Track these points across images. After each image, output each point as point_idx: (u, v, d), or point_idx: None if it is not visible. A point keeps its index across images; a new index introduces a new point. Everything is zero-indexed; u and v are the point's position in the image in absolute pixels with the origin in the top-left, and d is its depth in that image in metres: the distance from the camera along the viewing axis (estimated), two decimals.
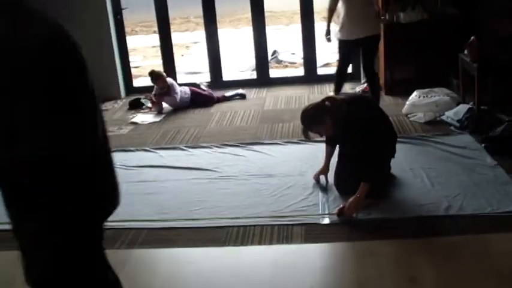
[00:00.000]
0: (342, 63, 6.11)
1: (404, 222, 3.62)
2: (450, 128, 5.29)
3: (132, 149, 5.45)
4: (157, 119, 6.50)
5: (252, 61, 8.39)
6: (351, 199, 3.69)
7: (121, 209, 4.19)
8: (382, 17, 6.43)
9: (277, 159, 4.90)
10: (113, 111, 7.04)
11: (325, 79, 7.29)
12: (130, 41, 9.13)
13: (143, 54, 12.01)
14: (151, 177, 4.72)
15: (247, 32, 10.25)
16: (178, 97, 6.77)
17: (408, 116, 5.74)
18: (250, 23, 7.82)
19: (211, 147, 5.31)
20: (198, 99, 6.92)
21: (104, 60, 7.42)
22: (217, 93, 7.15)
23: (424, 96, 5.80)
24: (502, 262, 3.07)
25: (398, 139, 4.22)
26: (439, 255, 3.19)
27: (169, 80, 6.89)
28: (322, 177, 4.29)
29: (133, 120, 6.54)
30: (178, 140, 5.66)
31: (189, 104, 6.85)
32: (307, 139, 3.98)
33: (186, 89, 6.96)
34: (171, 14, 7.84)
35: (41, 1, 1.93)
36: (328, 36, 5.98)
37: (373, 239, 3.46)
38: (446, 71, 6.35)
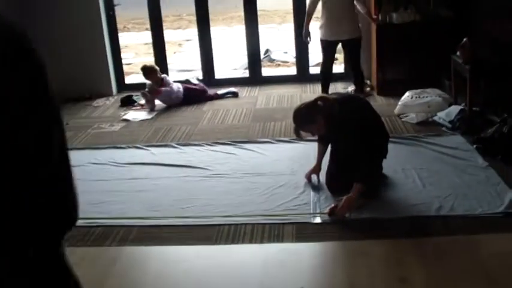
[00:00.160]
0: (325, 64, 6.39)
1: (395, 222, 3.63)
2: (442, 129, 5.30)
3: (123, 146, 5.44)
4: (149, 117, 6.48)
5: (244, 59, 8.38)
6: (343, 199, 3.69)
7: (112, 206, 4.24)
8: (375, 17, 6.46)
9: (269, 158, 4.90)
10: (105, 108, 7.02)
11: (318, 78, 7.23)
12: (123, 37, 9.12)
13: (135, 51, 11.97)
14: (142, 174, 4.71)
15: (239, 30, 10.25)
16: (175, 87, 6.76)
17: (400, 116, 5.75)
18: (243, 22, 7.80)
19: (203, 145, 5.30)
20: (191, 95, 6.90)
21: (96, 57, 7.39)
22: (209, 91, 7.14)
23: (416, 97, 5.81)
24: (492, 263, 3.08)
25: (390, 139, 4.22)
26: (429, 256, 3.20)
27: (167, 80, 6.90)
28: (313, 176, 4.29)
29: (125, 117, 6.51)
30: (170, 137, 5.64)
31: (182, 101, 6.83)
32: (299, 138, 3.98)
33: (179, 85, 6.94)
34: (164, 11, 7.82)
35: None
36: (307, 38, 6.39)
37: (364, 238, 3.46)
38: (439, 72, 6.37)
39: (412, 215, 3.70)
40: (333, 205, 3.78)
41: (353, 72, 6.48)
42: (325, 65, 6.43)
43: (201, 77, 7.76)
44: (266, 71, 8.51)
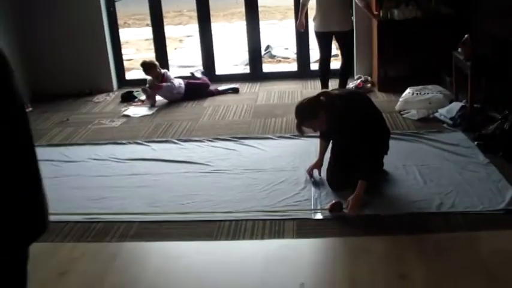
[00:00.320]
0: (322, 60, 6.48)
1: (396, 218, 3.63)
2: (443, 126, 5.30)
3: (124, 141, 5.43)
4: (150, 112, 6.47)
5: (245, 56, 8.37)
6: (350, 199, 3.69)
7: (113, 202, 4.24)
8: (376, 13, 6.46)
9: (269, 153, 4.90)
10: (105, 103, 7.01)
11: (318, 75, 7.27)
12: (123, 33, 9.10)
13: (136, 47, 11.95)
14: (143, 170, 4.71)
15: (240, 26, 10.23)
16: (176, 83, 6.75)
17: (401, 112, 5.75)
18: (244, 18, 7.80)
19: (203, 141, 5.29)
20: (193, 90, 6.89)
21: (97, 53, 7.39)
22: (210, 87, 7.14)
23: (417, 94, 5.81)
24: (492, 260, 3.08)
25: (391, 136, 4.22)
26: (430, 252, 3.19)
27: (168, 75, 6.90)
28: (315, 172, 4.29)
29: (126, 113, 6.51)
30: (171, 133, 5.64)
31: (183, 96, 6.82)
32: (301, 134, 3.97)
33: (180, 80, 6.93)
34: (164, 7, 7.81)
35: None
36: (301, 29, 6.63)
37: (364, 235, 3.46)
38: (440, 69, 6.36)
39: (413, 211, 3.70)
40: (333, 201, 3.78)
41: (342, 65, 6.52)
42: (323, 62, 6.50)
43: (201, 68, 7.75)
44: (267, 67, 8.50)
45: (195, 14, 7.90)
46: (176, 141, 5.35)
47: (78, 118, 6.41)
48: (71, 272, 3.21)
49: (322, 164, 4.27)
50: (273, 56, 10.01)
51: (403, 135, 5.08)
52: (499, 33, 5.32)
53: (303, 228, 3.58)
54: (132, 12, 14.66)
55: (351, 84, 6.85)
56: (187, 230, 3.66)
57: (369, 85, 6.86)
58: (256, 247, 3.42)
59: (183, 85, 6.88)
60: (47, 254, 3.42)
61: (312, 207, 3.83)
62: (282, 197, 4.00)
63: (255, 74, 7.81)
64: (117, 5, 7.61)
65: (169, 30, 9.59)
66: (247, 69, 8.19)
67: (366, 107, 3.96)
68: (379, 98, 6.38)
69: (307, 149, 4.84)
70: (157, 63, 6.92)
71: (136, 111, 6.56)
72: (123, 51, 7.94)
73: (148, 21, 8.14)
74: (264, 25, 8.47)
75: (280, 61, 9.81)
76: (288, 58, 9.74)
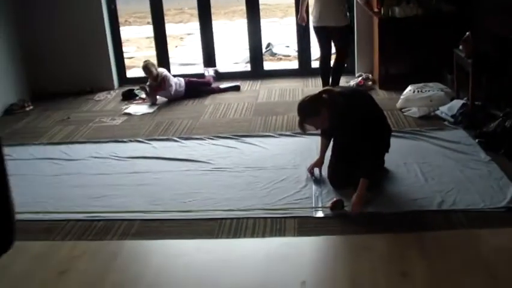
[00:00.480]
0: (322, 58, 6.54)
1: (397, 216, 3.62)
2: (444, 123, 5.29)
3: (125, 140, 5.43)
4: (151, 110, 6.47)
5: (246, 53, 8.36)
6: (353, 198, 3.68)
7: (114, 200, 4.24)
8: (376, 10, 6.46)
9: (270, 151, 4.89)
10: (106, 102, 7.01)
11: (319, 72, 7.27)
12: (124, 31, 9.10)
13: (137, 45, 11.96)
14: (144, 168, 4.71)
15: (241, 24, 10.23)
16: (172, 90, 6.73)
17: (402, 110, 5.74)
18: (245, 15, 7.79)
19: (204, 139, 5.29)
20: (193, 90, 6.88)
21: (98, 51, 7.39)
22: (212, 85, 7.14)
23: (418, 91, 5.80)
24: (493, 258, 3.07)
25: (392, 133, 4.21)
26: (431, 250, 3.19)
27: (163, 72, 6.83)
28: (316, 170, 4.28)
29: (127, 111, 6.51)
30: (172, 131, 5.64)
31: (183, 95, 6.82)
32: (303, 131, 3.96)
33: (181, 80, 6.92)
34: (165, 5, 7.80)
35: None
36: (303, 23, 6.73)
37: (366, 232, 3.45)
38: (441, 66, 6.35)
39: (414, 209, 3.69)
40: (335, 199, 3.77)
41: (334, 61, 6.54)
42: (323, 59, 6.54)
43: (218, 69, 7.75)
44: (268, 65, 8.50)
45: (196, 11, 7.89)
46: (177, 139, 5.35)
47: (79, 116, 6.41)
48: (71, 271, 3.21)
49: (323, 162, 4.27)
50: (273, 54, 10.01)
51: (404, 133, 5.07)
52: (500, 31, 5.31)
53: (304, 226, 3.57)
54: (133, 10, 14.66)
55: (351, 82, 6.85)
56: (188, 228, 3.66)
57: (370, 83, 6.86)
58: (257, 245, 3.42)
59: (183, 85, 6.86)
60: (48, 252, 3.42)
61: (313, 205, 3.82)
62: (283, 195, 3.99)
63: (256, 71, 7.80)
64: (118, 2, 7.61)
65: (170, 28, 9.58)
66: (248, 67, 8.18)
67: (367, 104, 3.95)
68: (380, 96, 6.37)
69: (308, 146, 4.83)
70: (154, 70, 6.81)
71: (137, 109, 6.56)
72: (124, 49, 7.94)
73: (149, 19, 8.13)
74: (264, 23, 8.47)
75: (281, 59, 9.80)
76: (289, 56, 9.74)
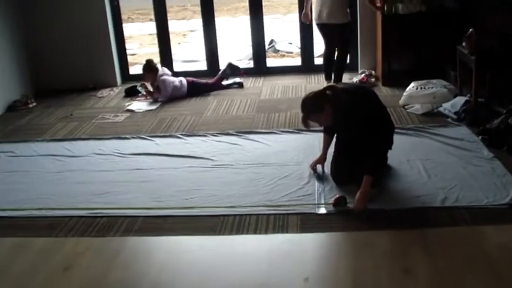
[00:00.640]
0: (326, 51, 6.65)
1: (400, 213, 3.62)
2: (447, 120, 5.28)
3: (127, 136, 5.43)
4: (153, 107, 6.47)
5: (249, 50, 8.36)
6: (357, 195, 3.67)
7: (116, 197, 4.25)
8: (379, 5, 6.45)
9: (273, 148, 4.89)
10: (109, 98, 7.01)
11: (322, 69, 7.26)
12: (127, 28, 9.10)
13: (140, 41, 11.96)
14: (146, 165, 4.71)
15: (244, 20, 10.22)
16: (167, 94, 6.66)
17: (405, 107, 5.73)
18: (248, 12, 7.78)
19: (207, 136, 5.29)
20: (195, 89, 6.84)
21: (100, 47, 7.38)
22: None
23: (421, 88, 5.79)
24: (496, 254, 3.07)
25: (395, 130, 4.20)
26: (434, 247, 3.18)
27: (161, 76, 6.72)
28: (318, 167, 4.28)
29: (129, 107, 6.51)
30: (174, 128, 5.64)
31: (185, 95, 6.78)
32: (307, 128, 3.95)
33: (183, 80, 6.85)
34: (168, 1, 7.81)
35: None
36: (307, 22, 6.71)
37: (368, 229, 3.45)
38: (444, 63, 6.34)
39: (417, 206, 3.69)
40: (337, 196, 3.77)
41: (337, 58, 6.58)
42: (326, 55, 6.64)
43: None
44: (271, 62, 8.50)
45: (198, 8, 7.90)
46: (180, 136, 5.35)
47: (81, 113, 6.42)
48: (74, 267, 3.21)
49: (325, 159, 4.26)
50: (276, 51, 10.00)
51: (407, 129, 5.07)
52: (504, 27, 5.29)
53: (307, 222, 3.57)
54: (136, 6, 14.66)
55: (354, 79, 6.84)
56: (191, 224, 3.66)
57: (373, 79, 6.85)
58: (260, 242, 3.42)
59: (185, 83, 6.81)
60: (51, 249, 3.43)
61: (316, 202, 3.82)
62: (286, 192, 3.99)
63: (259, 68, 7.80)
64: None
65: (173, 25, 9.57)
66: (251, 64, 8.18)
67: (371, 101, 3.94)
68: (383, 93, 6.37)
69: (311, 143, 4.83)
70: (149, 72, 6.78)
71: (140, 106, 6.55)
72: (126, 46, 7.95)
73: (152, 16, 8.14)
74: (267, 19, 8.46)
75: (284, 56, 9.80)
76: (292, 52, 9.73)
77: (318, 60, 7.64)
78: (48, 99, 7.02)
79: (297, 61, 8.32)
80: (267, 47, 8.54)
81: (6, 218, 3.89)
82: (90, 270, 3.19)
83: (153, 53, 9.08)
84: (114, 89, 7.40)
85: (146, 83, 6.88)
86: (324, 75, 6.79)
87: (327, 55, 6.65)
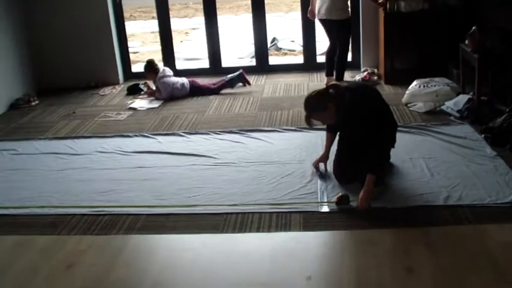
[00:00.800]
0: (329, 46, 6.72)
1: (403, 211, 3.61)
2: (450, 118, 5.27)
3: (130, 134, 5.43)
4: (156, 105, 6.47)
5: (251, 48, 8.36)
6: (360, 194, 3.67)
7: (119, 195, 4.24)
8: (381, 1, 6.44)
9: (276, 146, 4.89)
10: (111, 96, 7.01)
11: (325, 66, 7.26)
12: (129, 26, 9.10)
13: (142, 39, 11.97)
14: (149, 163, 4.71)
15: (246, 18, 10.22)
16: (165, 96, 6.63)
17: (408, 105, 5.72)
18: (250, 10, 7.78)
19: (209, 134, 5.29)
20: (197, 90, 6.79)
21: (103, 45, 7.39)
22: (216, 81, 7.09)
23: (424, 86, 5.78)
24: (499, 253, 3.06)
25: (398, 128, 4.19)
26: (437, 245, 3.18)
27: (161, 78, 6.69)
28: (321, 165, 4.28)
29: (132, 105, 6.51)
30: (177, 126, 5.64)
31: (187, 95, 6.74)
32: (310, 126, 3.95)
33: (185, 83, 6.83)
34: (170, 0, 7.81)
35: None
36: (312, 18, 6.76)
37: (371, 227, 3.45)
38: (447, 61, 6.34)
39: (420, 204, 3.68)
40: (340, 194, 3.77)
41: (337, 56, 6.58)
42: (329, 51, 6.71)
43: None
44: (273, 60, 8.50)
45: (200, 6, 7.89)
46: (182, 133, 5.35)
47: (84, 111, 6.42)
48: (77, 265, 3.22)
49: (328, 158, 4.26)
50: (279, 49, 10.00)
51: (410, 127, 5.06)
52: (507, 25, 5.28)
53: (310, 221, 3.57)
54: (138, 4, 14.67)
55: (357, 77, 6.83)
56: (194, 222, 3.66)
57: (376, 77, 6.84)
58: (263, 240, 3.42)
59: (187, 85, 6.77)
60: (54, 246, 3.43)
61: (319, 200, 3.82)
62: (289, 190, 3.99)
63: (261, 66, 7.80)
64: None
65: (175, 23, 9.59)
66: (253, 62, 8.18)
67: (374, 99, 3.94)
68: (385, 91, 6.36)
69: (313, 141, 4.83)
70: (151, 74, 6.78)
71: (142, 104, 6.56)
72: (129, 44, 7.93)
73: (154, 14, 8.13)
74: (270, 17, 8.45)
75: (286, 53, 9.80)
76: (294, 50, 9.73)
77: (321, 58, 7.64)
78: (50, 97, 7.03)
79: (299, 59, 8.32)
80: (269, 45, 8.53)
81: (8, 215, 3.90)
82: (93, 268, 3.19)
83: (155, 51, 9.08)
84: (117, 87, 7.41)
85: (149, 82, 6.88)
86: (325, 71, 6.83)
87: (328, 51, 6.71)
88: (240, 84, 6.97)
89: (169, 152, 4.91)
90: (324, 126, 4.26)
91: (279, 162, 4.51)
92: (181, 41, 11.47)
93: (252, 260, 3.19)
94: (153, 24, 9.42)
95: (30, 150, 5.16)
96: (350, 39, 6.66)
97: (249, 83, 6.90)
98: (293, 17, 11.88)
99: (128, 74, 7.79)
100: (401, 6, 6.43)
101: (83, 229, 3.65)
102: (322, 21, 6.50)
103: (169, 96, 6.63)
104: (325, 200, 3.81)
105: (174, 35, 8.14)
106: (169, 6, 7.81)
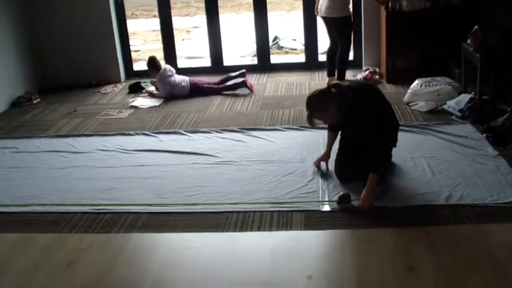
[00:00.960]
0: (330, 45, 6.71)
1: (404, 210, 3.61)
2: (451, 118, 5.27)
3: (131, 132, 5.43)
4: (157, 103, 6.46)
5: (253, 47, 8.35)
6: (362, 193, 3.66)
7: (120, 193, 4.24)
8: (382, 0, 6.44)
9: (277, 145, 4.88)
10: (113, 95, 7.01)
11: (326, 65, 7.26)
12: (131, 24, 9.09)
13: (143, 38, 11.96)
14: (150, 161, 4.71)
15: (248, 17, 10.21)
16: (163, 94, 6.63)
17: (409, 104, 5.72)
18: (252, 9, 7.77)
19: (211, 132, 5.29)
20: (198, 89, 6.75)
21: (104, 44, 7.38)
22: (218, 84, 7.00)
23: (425, 85, 5.77)
24: (501, 252, 3.06)
25: (399, 128, 4.18)
26: (438, 245, 3.18)
27: (161, 75, 6.66)
28: (322, 164, 4.27)
29: (133, 104, 6.50)
30: (178, 124, 5.63)
31: (187, 94, 6.71)
32: (312, 125, 3.95)
33: (186, 79, 6.81)
34: None
35: None
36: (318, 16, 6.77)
37: (373, 226, 3.45)
38: (449, 60, 6.33)
39: (421, 203, 3.68)
40: (341, 193, 3.76)
41: (338, 54, 6.57)
42: (330, 49, 6.70)
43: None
44: (275, 58, 8.48)
45: (202, 5, 7.88)
46: (184, 132, 5.35)
47: (85, 109, 6.42)
48: (78, 263, 3.22)
49: (329, 156, 4.26)
50: (280, 47, 9.99)
51: (412, 127, 5.05)
52: (509, 25, 5.27)
53: (311, 220, 3.57)
54: (140, 3, 14.67)
55: (359, 76, 6.83)
56: (195, 221, 3.66)
57: (377, 76, 6.83)
58: (264, 239, 3.42)
59: (187, 84, 6.75)
60: (55, 244, 3.43)
61: (320, 199, 3.82)
62: (290, 189, 3.99)
63: (263, 65, 7.79)
64: None
65: (176, 21, 9.58)
66: (254, 61, 8.17)
67: (376, 98, 3.93)
68: (387, 90, 6.35)
69: (315, 140, 4.83)
70: (154, 71, 6.75)
71: (143, 102, 6.55)
72: (130, 42, 7.92)
73: (156, 12, 8.12)
74: (271, 16, 8.44)
75: (288, 52, 9.79)
76: (296, 49, 9.72)
77: (322, 57, 7.62)
78: (52, 96, 7.03)
79: (301, 58, 8.31)
80: (270, 43, 8.52)
81: (10, 213, 3.90)
82: (94, 266, 3.19)
83: (156, 49, 9.07)
84: (118, 85, 7.40)
85: (154, 80, 6.84)
86: (327, 70, 6.80)
87: (328, 50, 6.71)
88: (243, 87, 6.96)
89: (171, 150, 4.90)
90: (326, 125, 4.26)
91: (280, 161, 4.51)
92: (183, 40, 11.47)
93: (253, 258, 3.19)
94: (155, 23, 9.43)
95: (31, 148, 5.16)
96: (351, 38, 6.64)
97: (251, 90, 6.81)
98: (295, 16, 11.88)
99: (130, 72, 7.78)
100: (403, 5, 6.41)
101: (84, 227, 3.65)
102: (323, 18, 6.51)
103: (169, 95, 6.62)
104: (327, 199, 3.80)
105: (175, 33, 8.12)
106: (171, 5, 7.80)
